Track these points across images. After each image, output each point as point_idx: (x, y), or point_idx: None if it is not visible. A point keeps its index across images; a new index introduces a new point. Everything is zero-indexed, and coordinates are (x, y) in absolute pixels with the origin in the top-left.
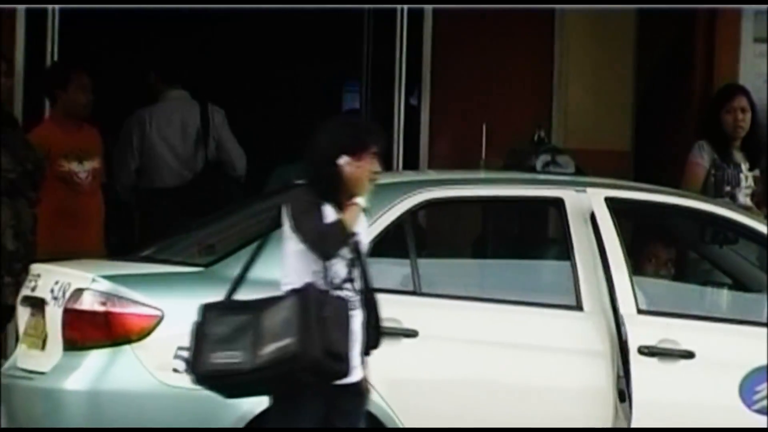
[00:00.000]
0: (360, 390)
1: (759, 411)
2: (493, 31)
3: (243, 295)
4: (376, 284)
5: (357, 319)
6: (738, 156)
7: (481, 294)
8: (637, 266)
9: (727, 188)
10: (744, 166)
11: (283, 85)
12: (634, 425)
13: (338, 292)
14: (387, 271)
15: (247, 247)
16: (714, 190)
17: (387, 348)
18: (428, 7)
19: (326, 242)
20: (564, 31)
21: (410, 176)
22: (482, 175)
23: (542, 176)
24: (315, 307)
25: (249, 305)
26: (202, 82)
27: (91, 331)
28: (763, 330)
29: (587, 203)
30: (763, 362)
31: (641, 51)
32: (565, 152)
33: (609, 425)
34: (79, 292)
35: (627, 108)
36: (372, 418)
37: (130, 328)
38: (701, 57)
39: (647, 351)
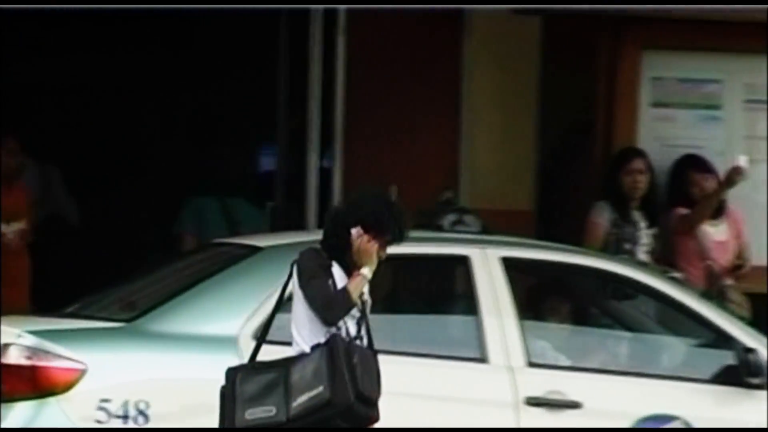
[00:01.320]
0: None
1: None
2: (402, 95)
3: (171, 350)
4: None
5: None
6: (636, 215)
7: (393, 347)
8: (537, 320)
9: (627, 246)
10: (642, 225)
11: (204, 145)
12: None
13: (358, 343)
14: None
15: (167, 303)
16: (614, 247)
17: None
18: (340, 70)
19: (331, 310)
20: (471, 94)
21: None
22: None
23: (449, 235)
24: (344, 354)
25: (273, 364)
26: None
27: (18, 384)
28: (654, 380)
29: (491, 261)
30: (653, 411)
31: (545, 113)
32: (471, 212)
33: None
34: (6, 347)
35: (530, 169)
36: None
37: (55, 381)
38: (601, 121)
39: (535, 401)
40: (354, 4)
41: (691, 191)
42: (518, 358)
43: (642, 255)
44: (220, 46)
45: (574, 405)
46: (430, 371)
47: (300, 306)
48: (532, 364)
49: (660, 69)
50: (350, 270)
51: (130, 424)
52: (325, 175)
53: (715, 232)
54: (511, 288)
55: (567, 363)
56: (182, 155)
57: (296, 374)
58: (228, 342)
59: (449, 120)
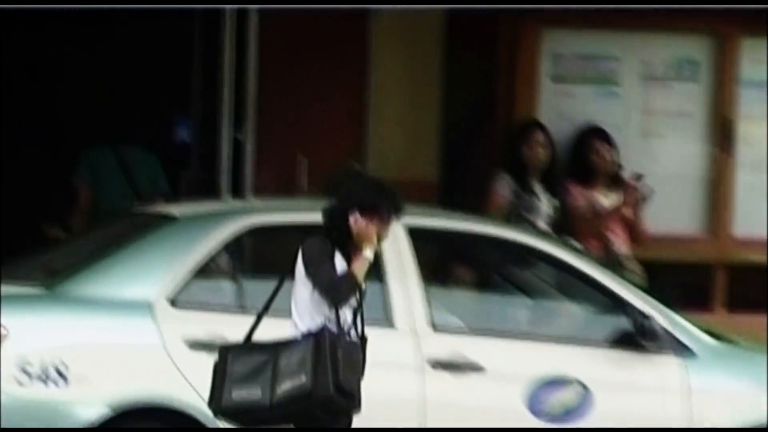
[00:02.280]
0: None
1: (547, 419)
2: (312, 69)
3: (89, 314)
4: (203, 304)
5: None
6: (537, 186)
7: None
8: (442, 286)
9: (527, 216)
10: (542, 196)
11: (118, 118)
12: None
13: (346, 337)
14: (214, 291)
15: (86, 269)
16: (515, 217)
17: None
18: (252, 46)
19: (338, 293)
20: (378, 69)
21: (236, 204)
22: (303, 202)
23: None
24: (329, 348)
25: (266, 346)
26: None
27: None
28: (552, 344)
29: (396, 229)
30: (552, 373)
31: (449, 87)
32: None
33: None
34: None
35: (434, 141)
36: (200, 426)
37: None
38: (503, 94)
39: (438, 364)
40: None
41: (592, 159)
42: (422, 323)
43: (542, 224)
44: (137, 21)
45: (476, 367)
46: None
47: (303, 290)
48: (436, 329)
49: (560, 46)
50: (350, 257)
51: (51, 386)
52: (238, 147)
53: (609, 202)
54: (416, 255)
55: (470, 327)
56: (80, 107)
57: (284, 360)
58: (144, 307)
59: (357, 94)
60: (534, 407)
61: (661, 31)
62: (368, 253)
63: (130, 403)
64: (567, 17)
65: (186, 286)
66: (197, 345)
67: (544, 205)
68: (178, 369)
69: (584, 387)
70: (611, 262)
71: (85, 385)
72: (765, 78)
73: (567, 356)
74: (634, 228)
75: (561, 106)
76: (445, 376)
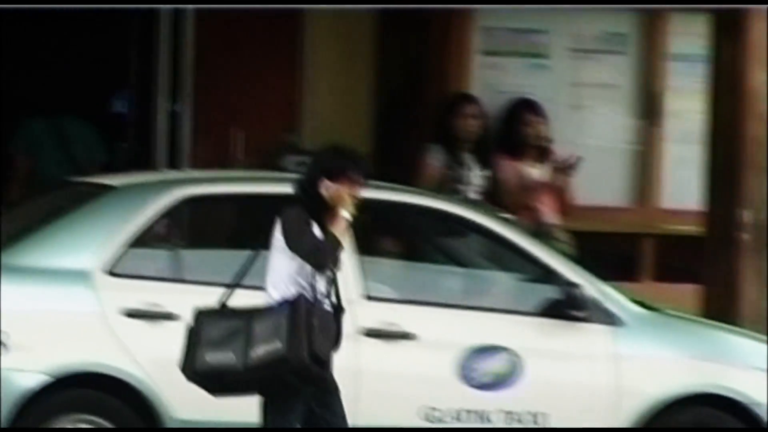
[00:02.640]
0: (335, 387)
1: (479, 386)
2: (249, 43)
3: (28, 283)
4: (140, 273)
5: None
6: (468, 158)
7: (238, 282)
8: (375, 256)
9: (458, 187)
10: (474, 167)
11: (55, 89)
12: (363, 401)
13: (322, 307)
14: (151, 261)
15: (24, 238)
16: (446, 188)
17: (151, 330)
18: (189, 19)
19: (321, 255)
20: (312, 44)
21: (172, 175)
22: (238, 174)
23: (292, 175)
24: (305, 315)
25: (240, 312)
26: None
27: None
28: (484, 313)
29: None
30: (483, 342)
31: (382, 61)
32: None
33: (351, 399)
34: None
35: (369, 113)
36: (138, 394)
37: None
38: (435, 67)
39: (372, 333)
40: None
41: (523, 131)
42: (356, 292)
43: (473, 195)
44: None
45: (408, 336)
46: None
47: (280, 260)
48: (369, 298)
49: (491, 19)
50: (325, 225)
51: None
52: (175, 119)
53: (538, 174)
54: (352, 226)
55: (402, 296)
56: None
57: (258, 326)
58: (82, 276)
59: (292, 68)
60: (465, 375)
61: (590, 5)
62: (345, 214)
63: (69, 370)
64: None
65: (123, 255)
66: (134, 313)
67: (475, 176)
68: (115, 336)
69: (515, 355)
70: (541, 233)
71: (24, 353)
72: (694, 51)
73: (498, 325)
74: (563, 199)
75: (492, 79)
76: (378, 344)
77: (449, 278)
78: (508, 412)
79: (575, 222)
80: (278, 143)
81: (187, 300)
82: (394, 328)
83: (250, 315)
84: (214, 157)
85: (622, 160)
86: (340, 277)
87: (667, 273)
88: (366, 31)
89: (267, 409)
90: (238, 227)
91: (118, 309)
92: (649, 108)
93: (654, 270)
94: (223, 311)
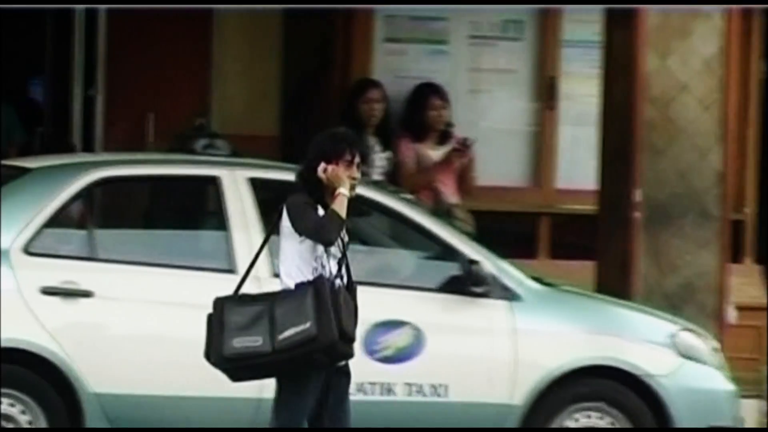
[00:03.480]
0: (347, 370)
1: (381, 360)
2: (160, 30)
3: None
4: (56, 252)
5: None
6: (372, 140)
7: (150, 260)
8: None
9: (362, 168)
10: (377, 149)
11: None
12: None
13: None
14: (67, 240)
15: None
16: None
17: (67, 307)
18: (103, 10)
19: (325, 230)
20: (221, 31)
21: (87, 158)
22: (150, 156)
23: (202, 157)
24: (330, 294)
25: (258, 297)
26: None
27: None
28: (387, 290)
29: (239, 181)
30: (386, 317)
31: (289, 47)
32: (222, 137)
33: None
34: None
35: (275, 98)
36: (55, 369)
37: None
38: (340, 54)
39: None
40: None
41: (427, 115)
42: (264, 270)
43: (376, 176)
44: None
45: None
46: (184, 281)
47: (289, 244)
48: (277, 275)
49: (393, 8)
50: (327, 207)
51: None
52: (89, 104)
53: (439, 155)
54: (257, 205)
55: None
56: None
57: (281, 309)
58: None
59: (201, 55)
60: (369, 348)
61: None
62: (343, 190)
63: None
64: None
65: (39, 234)
66: (51, 291)
67: (378, 158)
68: (33, 314)
69: (416, 329)
70: (441, 212)
71: None
72: (588, 38)
73: (400, 301)
74: (463, 179)
75: (394, 65)
76: None
77: (354, 256)
78: (410, 384)
79: (474, 201)
80: (188, 127)
81: (102, 278)
82: None
83: (270, 299)
84: (127, 140)
85: (519, 142)
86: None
87: (563, 250)
88: (273, 20)
89: (285, 387)
90: (150, 207)
91: (34, 287)
92: (544, 92)
93: (550, 247)
94: (243, 298)
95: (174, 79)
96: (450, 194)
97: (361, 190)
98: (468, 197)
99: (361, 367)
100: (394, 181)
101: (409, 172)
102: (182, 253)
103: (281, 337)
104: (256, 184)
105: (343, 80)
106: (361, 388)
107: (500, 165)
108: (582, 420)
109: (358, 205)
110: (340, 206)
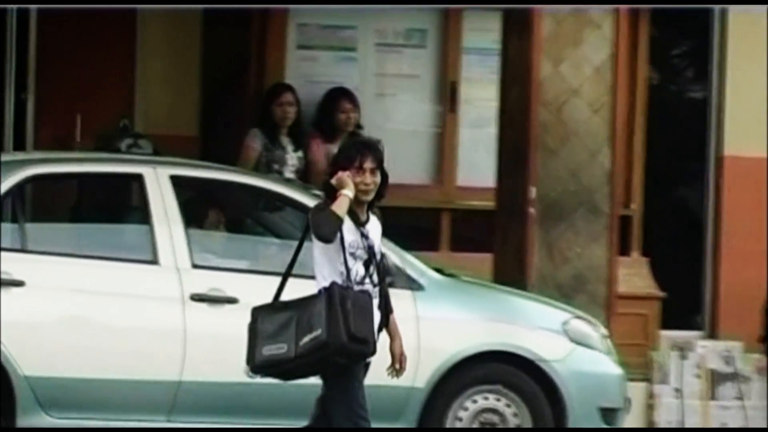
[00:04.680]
0: (369, 361)
1: None
2: (87, 34)
3: None
4: None
5: (375, 307)
6: (285, 140)
7: (78, 251)
8: (201, 229)
9: (276, 167)
10: (290, 149)
11: None
12: (190, 359)
13: (360, 287)
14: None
15: None
16: (265, 168)
17: None
18: (33, 17)
19: (320, 227)
20: (144, 34)
21: (18, 156)
22: (78, 155)
23: (126, 156)
24: (339, 301)
25: (290, 304)
26: None
27: None
28: (298, 279)
29: (161, 178)
30: None
31: (208, 52)
32: (145, 137)
33: (179, 358)
34: None
35: (197, 100)
36: None
37: None
38: (256, 60)
39: (198, 297)
40: None
41: (338, 117)
42: (184, 261)
43: (289, 174)
44: None
45: (231, 300)
46: (109, 272)
47: (317, 248)
48: (196, 266)
49: (305, 17)
50: (357, 221)
51: None
52: (21, 107)
53: None
54: (178, 201)
55: (226, 265)
56: None
57: (304, 316)
58: None
59: (126, 59)
60: None
61: (394, 3)
62: (346, 192)
63: None
64: None
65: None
66: None
67: (291, 157)
68: None
69: None
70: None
71: None
72: (487, 46)
73: (310, 290)
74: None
75: (306, 70)
76: (204, 308)
77: (268, 248)
78: None
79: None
80: (113, 128)
81: (33, 268)
82: (218, 293)
83: (298, 306)
84: (56, 141)
85: (422, 143)
86: (170, 245)
87: (463, 243)
88: (194, 25)
89: (328, 386)
90: (78, 202)
91: None
92: (446, 96)
93: (451, 241)
94: (275, 305)
95: (100, 81)
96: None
97: (276, 187)
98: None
99: None
100: (306, 178)
101: (320, 170)
102: (108, 245)
103: (301, 343)
104: (177, 181)
105: (258, 84)
106: None
107: (405, 164)
108: (480, 401)
109: (272, 201)
110: (338, 206)
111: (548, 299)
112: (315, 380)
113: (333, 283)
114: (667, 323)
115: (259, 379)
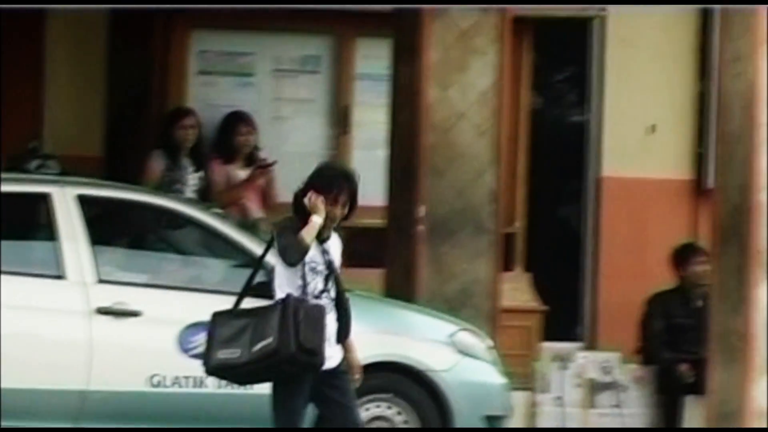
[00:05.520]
0: (343, 369)
1: (195, 356)
2: None
3: None
4: None
5: (331, 320)
6: (186, 161)
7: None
8: (107, 245)
9: (177, 187)
10: (190, 170)
11: None
12: (96, 370)
13: (317, 301)
14: None
15: None
16: (167, 188)
17: None
18: None
19: (288, 252)
20: (52, 58)
21: None
22: None
23: (34, 176)
24: (292, 312)
25: (249, 312)
26: None
27: None
28: (199, 294)
29: (68, 197)
30: (198, 318)
31: (113, 77)
32: (53, 157)
33: (85, 368)
34: None
35: (102, 122)
36: None
37: None
38: (158, 84)
39: (104, 311)
40: None
41: (236, 139)
42: (90, 276)
43: (189, 194)
44: None
45: (135, 313)
46: (19, 287)
47: (279, 264)
48: (101, 281)
49: (205, 44)
50: (320, 237)
51: None
52: None
53: (245, 175)
54: (85, 219)
55: (130, 279)
56: None
57: (260, 324)
58: None
59: (34, 82)
60: (184, 346)
61: (290, 31)
62: (315, 218)
63: None
64: (211, 19)
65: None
66: None
67: (192, 177)
68: None
69: None
70: (248, 225)
71: None
72: (378, 71)
73: (212, 304)
74: (267, 196)
75: (206, 95)
76: (109, 321)
77: (170, 264)
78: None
79: (278, 216)
80: (22, 149)
81: None
82: (123, 307)
83: (256, 314)
84: None
85: (317, 164)
86: (76, 261)
87: (356, 259)
88: (99, 50)
89: (276, 392)
90: None
91: None
92: (339, 119)
93: (345, 257)
94: (235, 312)
95: (10, 106)
96: (255, 209)
97: (177, 206)
98: (271, 212)
99: (177, 363)
100: (206, 198)
101: (219, 190)
102: (17, 261)
103: (253, 349)
104: (83, 200)
105: (161, 108)
106: (176, 381)
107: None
108: (373, 409)
109: (174, 219)
110: (308, 232)
111: (436, 312)
112: (210, 387)
113: (288, 295)
114: (549, 335)
115: (160, 388)
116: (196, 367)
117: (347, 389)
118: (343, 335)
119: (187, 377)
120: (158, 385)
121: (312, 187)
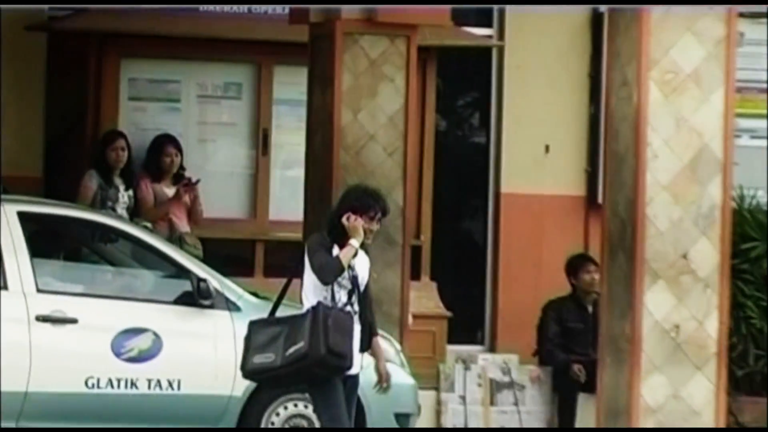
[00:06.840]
0: (356, 381)
1: (127, 360)
2: None
3: None
4: None
5: (355, 331)
6: (118, 181)
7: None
8: (45, 258)
9: (109, 204)
10: (122, 188)
11: None
12: (36, 373)
13: (338, 310)
14: None
15: None
16: (100, 205)
17: None
18: None
19: (325, 272)
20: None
21: None
22: None
23: None
24: (322, 318)
25: (281, 320)
26: None
27: None
28: (131, 302)
29: (9, 214)
30: (130, 325)
31: (51, 102)
32: None
33: (25, 372)
34: None
35: (39, 144)
36: None
37: None
38: (92, 109)
39: (43, 318)
40: None
41: (163, 160)
42: (30, 286)
43: (121, 210)
44: None
45: (72, 321)
46: None
47: (307, 274)
48: (40, 291)
49: (135, 72)
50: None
51: None
52: None
53: (172, 193)
54: (25, 234)
55: (67, 289)
56: None
57: (292, 330)
58: None
59: None
60: (117, 351)
61: (213, 60)
62: (354, 242)
63: None
64: (141, 49)
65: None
66: None
67: (123, 195)
68: None
69: (156, 335)
70: (175, 239)
71: None
72: (295, 97)
73: (143, 311)
74: (192, 212)
75: (136, 119)
76: (47, 327)
77: (104, 275)
78: (150, 380)
79: (202, 230)
80: None
81: None
82: (60, 315)
83: (288, 321)
84: None
85: (238, 183)
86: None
87: (275, 270)
88: (38, 76)
89: (313, 397)
90: None
91: None
92: (259, 141)
93: (264, 268)
94: (269, 320)
95: None
96: (182, 225)
97: (110, 221)
98: (197, 227)
99: (111, 366)
100: (136, 214)
101: (147, 206)
102: None
103: (287, 354)
104: (24, 216)
105: (95, 131)
106: (111, 384)
107: (223, 201)
108: (291, 408)
109: (107, 233)
110: (345, 255)
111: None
112: (141, 389)
113: (319, 303)
114: (453, 339)
115: (95, 389)
116: (129, 370)
117: (354, 395)
118: (364, 346)
119: (120, 379)
120: (94, 386)
121: (350, 208)
